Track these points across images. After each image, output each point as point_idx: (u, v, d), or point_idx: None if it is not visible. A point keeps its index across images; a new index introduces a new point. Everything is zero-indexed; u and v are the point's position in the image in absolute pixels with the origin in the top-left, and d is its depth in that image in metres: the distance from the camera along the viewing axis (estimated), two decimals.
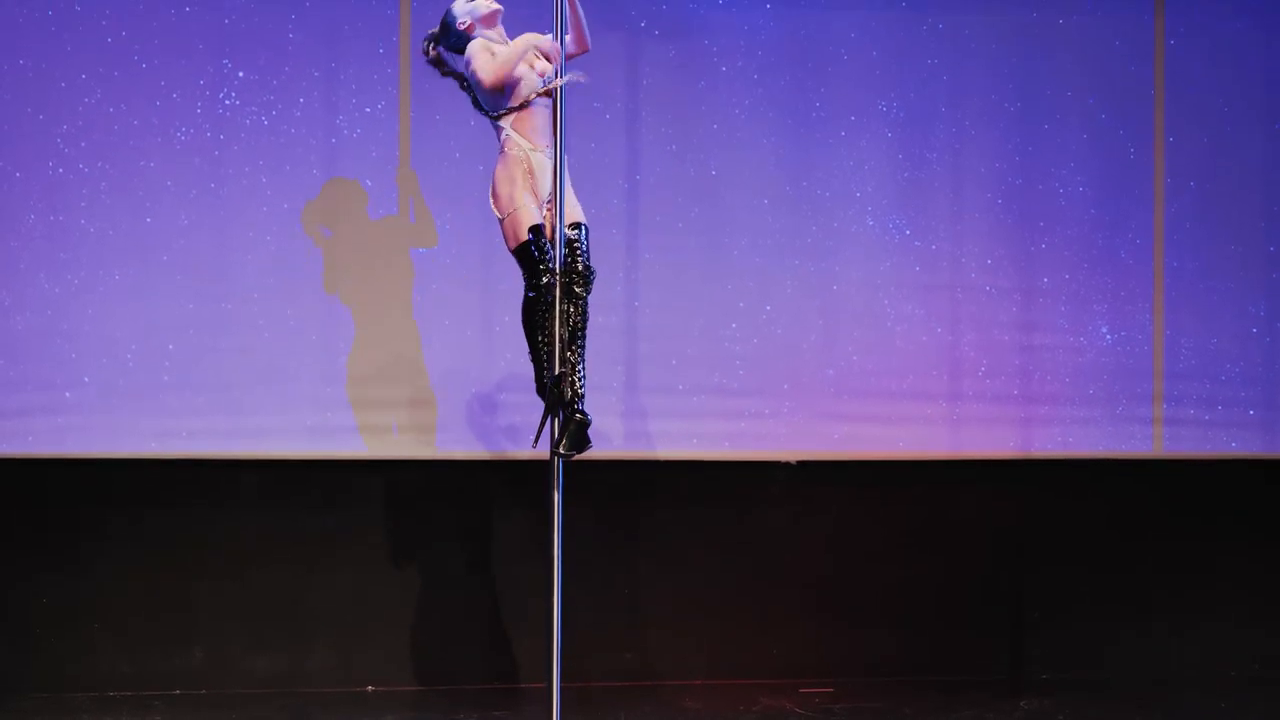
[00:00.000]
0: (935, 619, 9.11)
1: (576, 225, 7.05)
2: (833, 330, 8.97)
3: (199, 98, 8.60)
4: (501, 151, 7.04)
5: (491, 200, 7.07)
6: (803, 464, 8.96)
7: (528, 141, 7.01)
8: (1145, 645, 9.23)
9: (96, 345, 8.52)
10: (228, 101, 8.62)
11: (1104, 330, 9.12)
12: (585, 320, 7.01)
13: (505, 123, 7.03)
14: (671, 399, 8.86)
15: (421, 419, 8.70)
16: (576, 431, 6.94)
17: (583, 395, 6.97)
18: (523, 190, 6.99)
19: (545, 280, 6.94)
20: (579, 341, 6.99)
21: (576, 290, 6.99)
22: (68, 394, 8.51)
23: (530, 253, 6.97)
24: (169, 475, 8.63)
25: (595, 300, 7.08)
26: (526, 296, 7.00)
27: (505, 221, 7.02)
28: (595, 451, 8.66)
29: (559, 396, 6.93)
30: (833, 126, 8.99)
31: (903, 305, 9.02)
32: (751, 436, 8.91)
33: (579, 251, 7.03)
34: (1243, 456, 9.21)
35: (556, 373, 6.93)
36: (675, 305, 8.88)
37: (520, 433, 8.61)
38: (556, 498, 6.95)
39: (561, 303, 6.96)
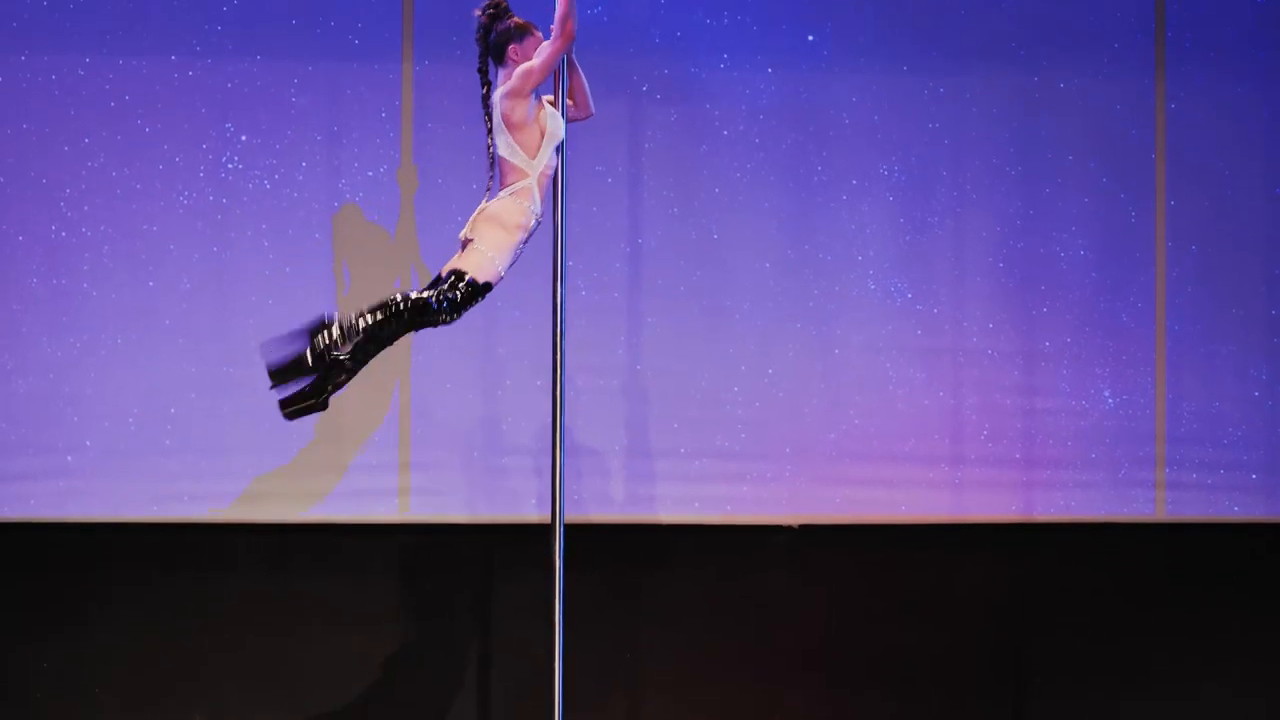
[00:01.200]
0: (937, 684, 9.07)
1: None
2: (834, 394, 8.96)
3: (202, 161, 8.63)
4: (515, 198, 6.89)
5: (482, 222, 6.90)
6: (804, 527, 8.94)
7: (541, 206, 6.97)
8: (1148, 709, 9.18)
9: (98, 409, 8.52)
10: (230, 165, 8.65)
11: (1106, 394, 9.12)
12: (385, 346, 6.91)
13: (534, 175, 6.94)
14: (673, 462, 8.85)
15: (422, 483, 8.69)
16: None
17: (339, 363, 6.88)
18: (517, 247, 6.92)
19: (448, 319, 6.83)
20: (371, 349, 6.84)
21: (433, 324, 6.90)
22: (69, 458, 8.51)
23: (473, 297, 6.84)
24: (170, 539, 8.61)
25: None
26: (428, 304, 6.80)
27: (486, 253, 6.84)
28: (596, 515, 8.71)
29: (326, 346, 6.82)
30: (834, 190, 9.01)
31: (905, 369, 9.01)
32: (753, 500, 8.90)
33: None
34: (1245, 520, 9.19)
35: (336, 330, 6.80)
36: (677, 369, 8.87)
37: (521, 496, 8.61)
38: (558, 562, 6.93)
39: (413, 326, 6.85)
